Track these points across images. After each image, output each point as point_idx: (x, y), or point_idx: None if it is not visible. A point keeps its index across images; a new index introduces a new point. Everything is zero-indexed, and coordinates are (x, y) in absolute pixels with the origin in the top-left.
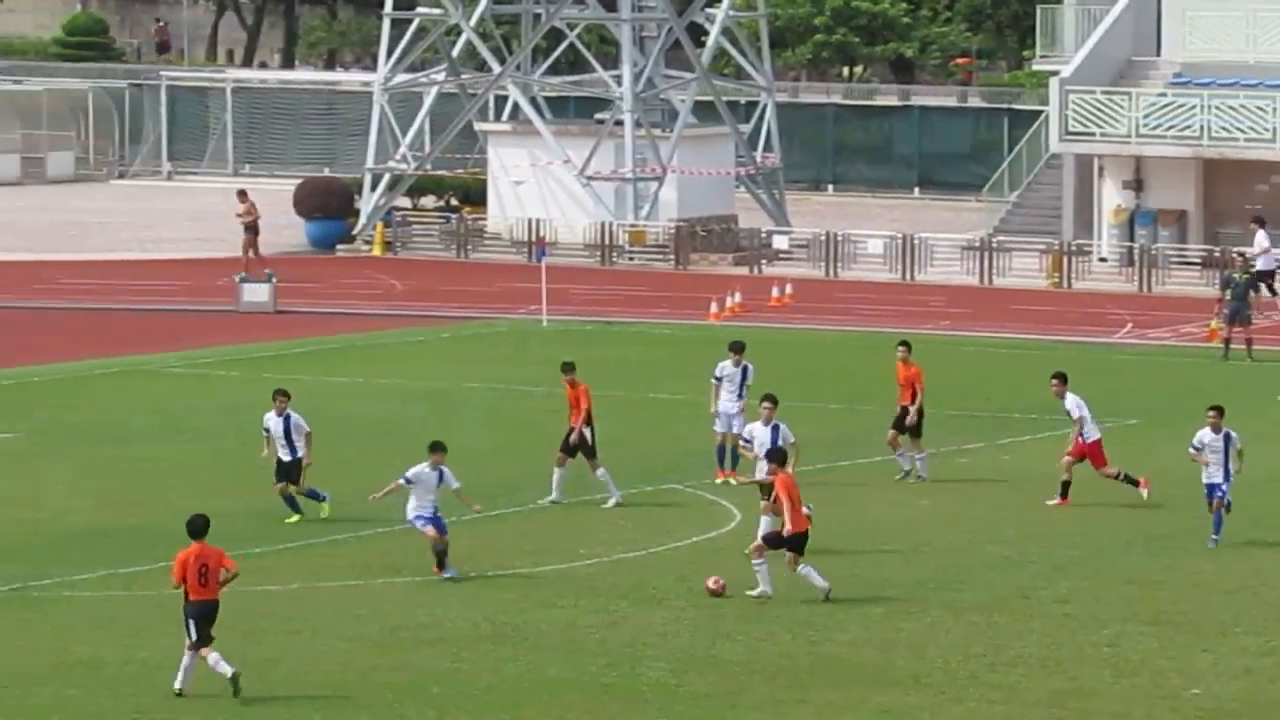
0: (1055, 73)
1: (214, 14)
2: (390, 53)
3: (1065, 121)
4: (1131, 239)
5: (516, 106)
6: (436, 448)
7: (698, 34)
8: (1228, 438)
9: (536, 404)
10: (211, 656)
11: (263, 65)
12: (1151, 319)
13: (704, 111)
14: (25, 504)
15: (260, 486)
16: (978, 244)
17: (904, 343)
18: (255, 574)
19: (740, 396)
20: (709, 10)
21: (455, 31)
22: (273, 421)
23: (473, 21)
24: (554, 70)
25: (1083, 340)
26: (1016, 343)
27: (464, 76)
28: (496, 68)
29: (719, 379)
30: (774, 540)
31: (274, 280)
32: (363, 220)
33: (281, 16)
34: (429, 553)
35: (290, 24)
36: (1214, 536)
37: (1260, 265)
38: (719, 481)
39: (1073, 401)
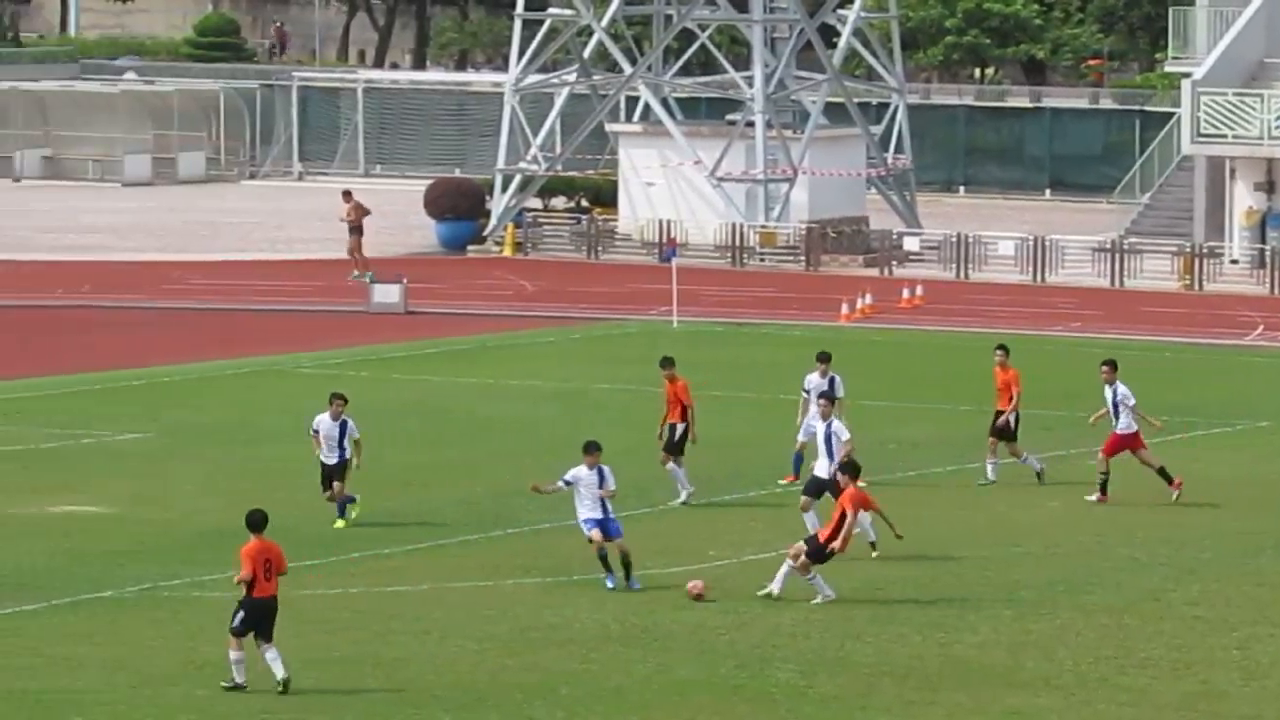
0: (1187, 74)
1: (345, 15)
2: (522, 53)
3: (1197, 123)
4: (1263, 241)
5: (648, 107)
6: (590, 448)
7: (829, 35)
8: None
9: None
10: (270, 653)
11: (394, 66)
12: None
13: (835, 113)
14: (155, 504)
15: (389, 488)
16: (1109, 246)
17: (1001, 346)
18: (385, 575)
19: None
20: (840, 11)
21: (587, 32)
22: (325, 424)
23: (604, 22)
24: (685, 71)
25: (1213, 343)
26: (1147, 345)
27: (595, 77)
28: (628, 68)
29: (807, 392)
30: (817, 554)
31: (371, 280)
32: (493, 221)
33: (413, 17)
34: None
35: (422, 25)
36: None
37: None
38: (781, 482)
39: (1123, 391)
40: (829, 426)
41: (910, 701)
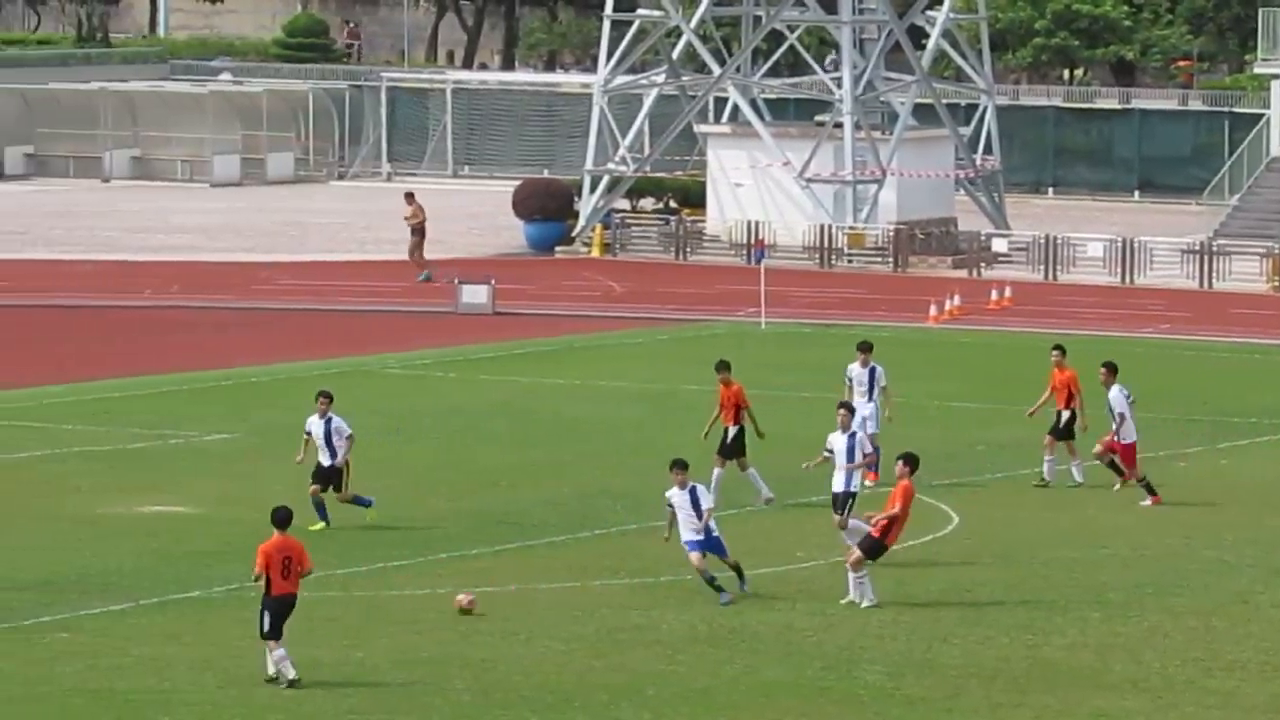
0: (1276, 75)
1: (434, 15)
2: (610, 54)
3: None
4: None
5: (736, 108)
6: (676, 466)
7: (918, 36)
8: None
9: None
10: (277, 653)
11: (483, 67)
12: None
13: (924, 114)
14: (243, 504)
15: (477, 488)
16: (1198, 247)
17: (1058, 347)
18: (473, 575)
19: (870, 398)
20: (929, 13)
21: (675, 33)
22: (314, 425)
23: (693, 23)
24: (774, 72)
25: None
26: (1236, 347)
27: (684, 78)
28: (716, 70)
29: (850, 380)
30: (873, 549)
31: (428, 280)
32: (582, 222)
33: (502, 18)
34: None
35: (510, 25)
36: None
37: None
38: (867, 483)
39: (1117, 395)
40: (851, 438)
41: (997, 704)
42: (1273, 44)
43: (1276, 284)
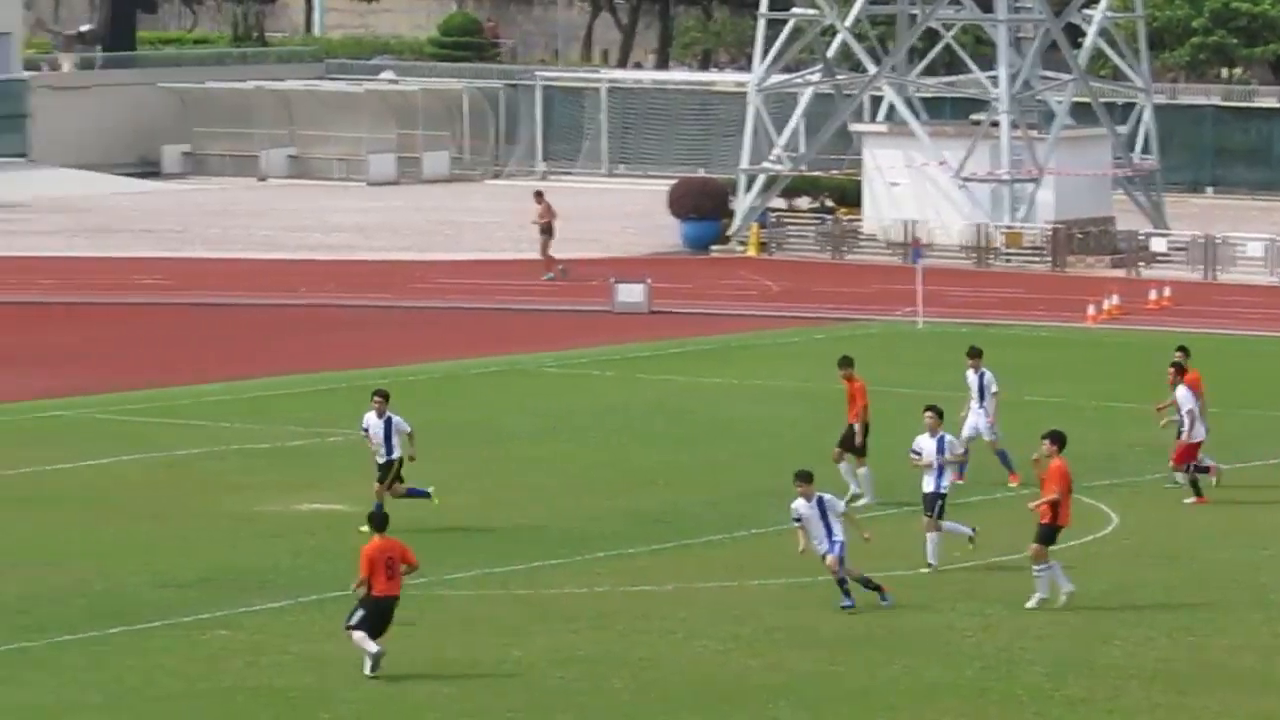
0: None
1: (589, 15)
2: (765, 53)
3: None
4: None
5: (892, 107)
6: (799, 478)
7: (1075, 35)
8: None
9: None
10: (358, 634)
11: (637, 66)
12: None
13: (1081, 113)
14: (400, 503)
15: (635, 487)
16: None
17: (1182, 347)
18: (631, 574)
19: (980, 404)
20: (1086, 11)
21: (831, 32)
22: (372, 423)
23: (848, 22)
24: (929, 71)
25: None
26: None
27: (839, 77)
28: (872, 68)
29: (969, 386)
30: (1047, 535)
31: (555, 279)
32: (737, 221)
33: (656, 17)
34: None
35: (665, 24)
36: None
37: None
38: (1011, 485)
39: (1185, 394)
40: (940, 441)
41: (1158, 705)
42: None
43: None
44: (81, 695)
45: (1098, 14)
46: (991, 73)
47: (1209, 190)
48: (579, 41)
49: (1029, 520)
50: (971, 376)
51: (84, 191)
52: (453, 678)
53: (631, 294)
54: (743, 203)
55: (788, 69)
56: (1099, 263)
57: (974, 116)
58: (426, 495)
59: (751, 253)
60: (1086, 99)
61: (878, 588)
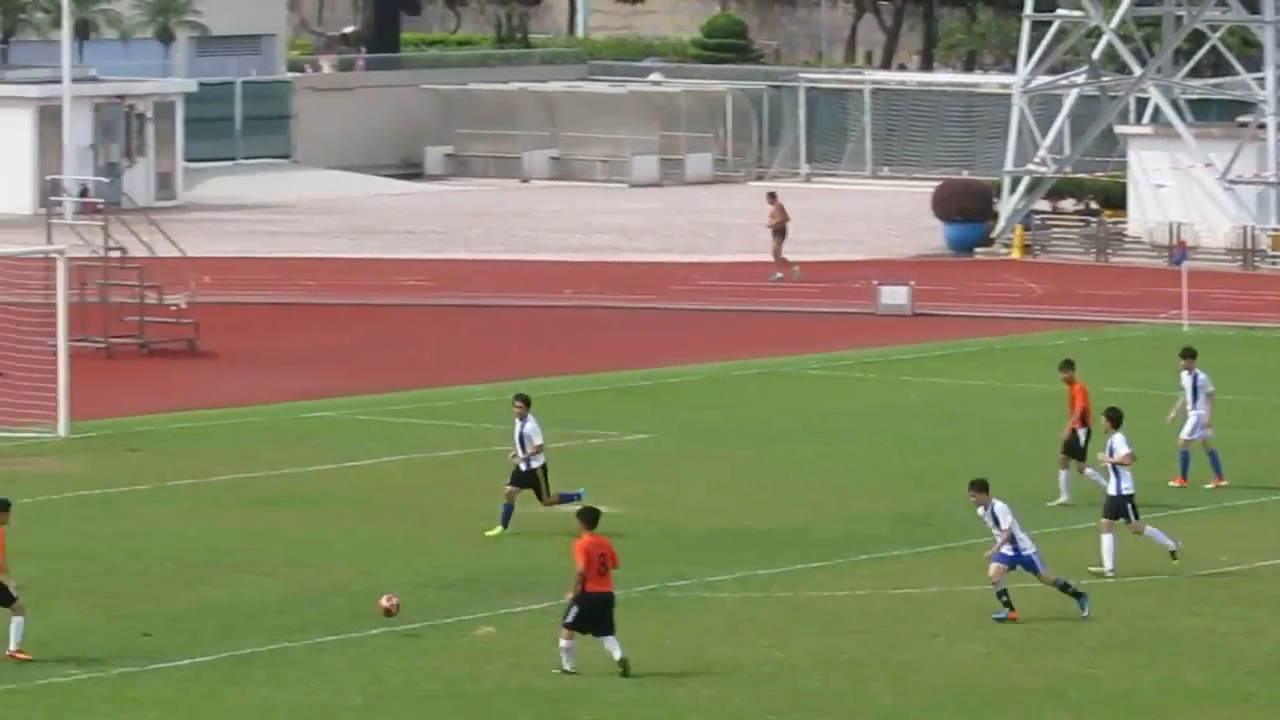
0: None
1: (853, 16)
2: (1030, 55)
3: None
4: None
5: (1157, 109)
6: (974, 486)
7: None
8: None
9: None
10: (609, 641)
11: (901, 67)
12: None
13: None
14: (662, 505)
15: (897, 489)
16: None
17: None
18: (893, 577)
19: (1193, 405)
20: None
21: (1096, 33)
22: (516, 427)
23: (1113, 23)
24: (1195, 73)
25: None
26: None
27: (1104, 79)
28: (1137, 70)
29: (1184, 388)
30: None
31: (788, 279)
32: (1001, 223)
33: (921, 18)
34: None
35: (929, 26)
36: None
37: None
38: (1171, 484)
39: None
40: (1110, 442)
41: None
42: None
43: None
44: (342, 696)
45: None
46: (1258, 74)
47: None
48: (843, 43)
49: None
50: (1186, 378)
51: (347, 193)
52: (714, 679)
53: (895, 296)
54: (1007, 205)
55: (1053, 70)
56: None
57: (1241, 118)
58: (578, 498)
59: (1016, 255)
60: None
61: (1078, 594)
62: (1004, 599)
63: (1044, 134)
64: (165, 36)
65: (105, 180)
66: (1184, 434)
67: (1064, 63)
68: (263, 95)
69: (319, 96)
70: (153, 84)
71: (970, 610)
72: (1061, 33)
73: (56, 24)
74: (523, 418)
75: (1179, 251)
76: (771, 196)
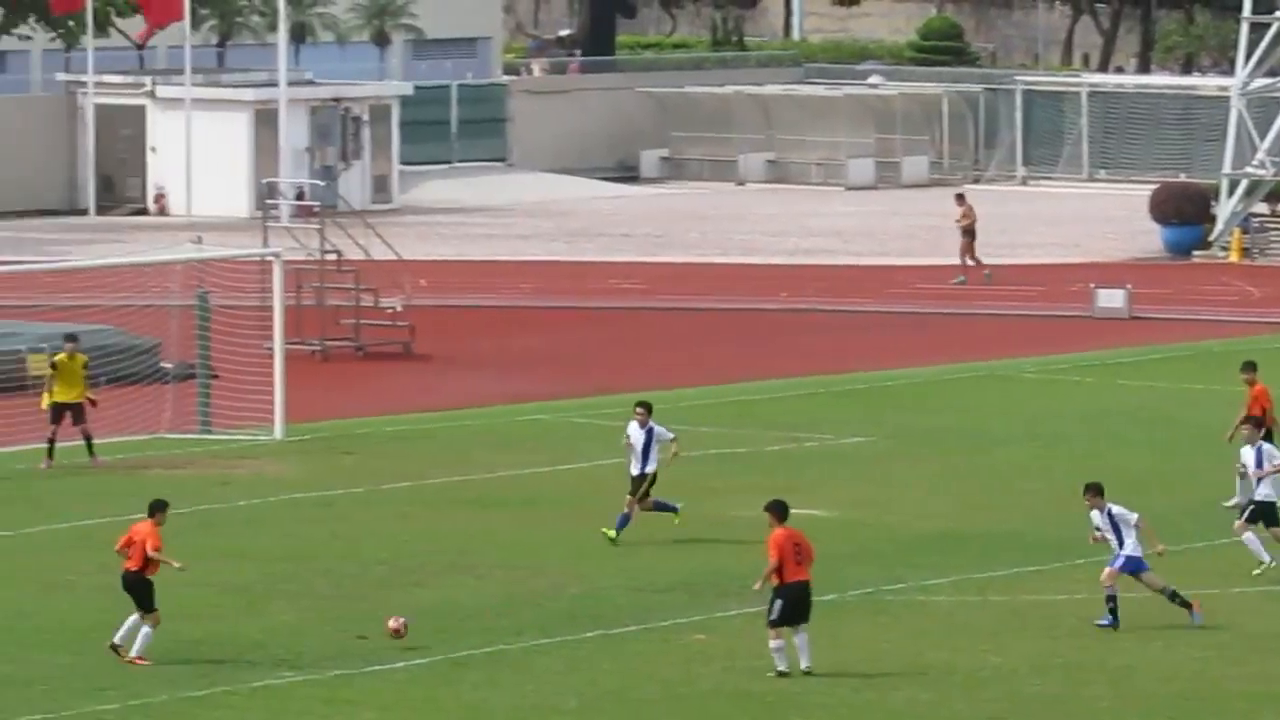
0: None
1: (1069, 18)
2: (1248, 56)
3: None
4: None
5: None
6: (1089, 490)
7: None
8: None
9: None
10: (799, 638)
11: (1118, 70)
12: None
13: None
14: (878, 508)
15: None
16: None
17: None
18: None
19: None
20: None
21: None
22: (634, 433)
23: None
24: None
25: None
26: None
27: None
28: None
29: None
30: None
31: (973, 281)
32: (1219, 226)
33: (1138, 21)
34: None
35: (1147, 28)
36: None
37: None
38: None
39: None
40: (1258, 451)
41: None
42: None
43: None
44: (557, 698)
45: None
46: None
47: None
48: (1059, 45)
49: None
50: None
51: (562, 196)
52: (930, 683)
53: (1112, 299)
54: (1225, 208)
55: (1271, 72)
56: None
57: None
58: (674, 510)
59: (1234, 258)
60: None
61: (1187, 604)
62: (1111, 605)
63: (1262, 136)
64: (381, 40)
65: (321, 183)
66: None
67: None
68: (478, 98)
69: (534, 99)
70: (368, 87)
71: (1187, 615)
72: None
73: (273, 28)
74: (644, 425)
75: None
76: (960, 198)
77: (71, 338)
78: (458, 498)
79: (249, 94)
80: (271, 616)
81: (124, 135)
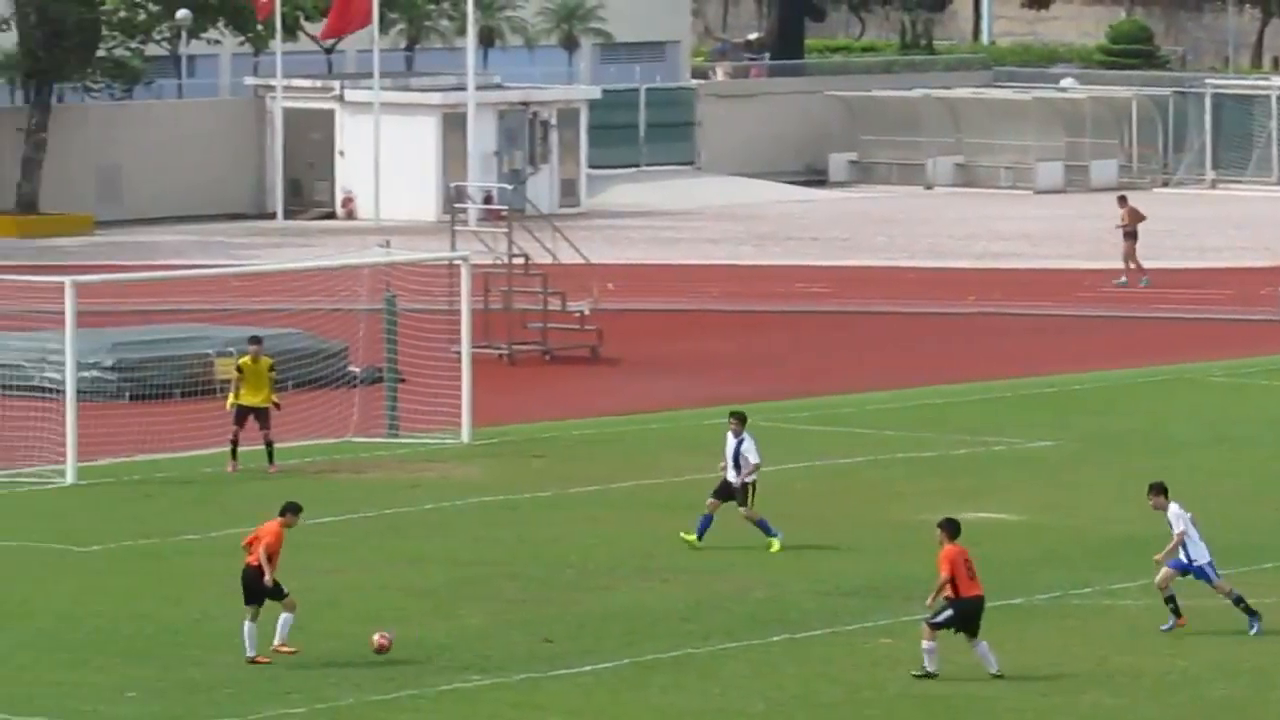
0: None
1: (1260, 21)
2: None
3: None
4: None
5: None
6: (1153, 490)
7: None
8: None
9: None
10: (980, 647)
11: None
12: None
13: None
14: (1065, 511)
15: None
16: None
17: None
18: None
19: None
20: None
21: None
22: (729, 443)
23: None
24: None
25: None
26: None
27: None
28: None
29: None
30: None
31: (1132, 284)
32: None
33: None
34: None
35: None
36: None
37: None
38: None
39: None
40: None
41: None
42: None
43: None
44: (743, 702)
45: None
46: None
47: None
48: (1249, 49)
49: None
50: None
51: (750, 199)
52: (1118, 688)
53: None
54: None
55: None
56: None
57: None
58: (774, 535)
59: None
60: None
61: (1251, 612)
62: (1171, 605)
63: None
64: (569, 44)
65: (509, 187)
66: None
67: None
68: (666, 102)
69: (722, 103)
70: (557, 91)
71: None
72: None
73: (461, 32)
74: (738, 435)
75: None
76: (1122, 199)
77: (256, 340)
78: (645, 501)
79: (437, 98)
80: (458, 620)
81: (312, 139)
